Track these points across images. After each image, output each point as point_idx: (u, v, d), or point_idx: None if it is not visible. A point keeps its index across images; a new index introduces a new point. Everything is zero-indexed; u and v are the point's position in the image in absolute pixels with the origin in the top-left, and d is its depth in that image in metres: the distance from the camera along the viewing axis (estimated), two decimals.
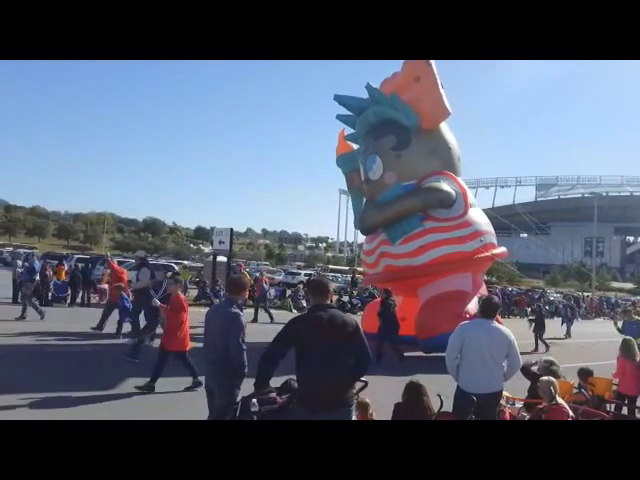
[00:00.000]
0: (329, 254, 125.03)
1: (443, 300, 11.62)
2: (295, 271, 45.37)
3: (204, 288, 22.78)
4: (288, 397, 4.34)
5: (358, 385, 4.27)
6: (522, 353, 5.12)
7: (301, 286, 20.57)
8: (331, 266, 64.00)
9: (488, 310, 5.08)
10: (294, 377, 4.14)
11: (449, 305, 11.43)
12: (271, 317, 17.78)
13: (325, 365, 3.75)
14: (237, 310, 4.80)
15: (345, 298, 27.06)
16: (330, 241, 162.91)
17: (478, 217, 12.89)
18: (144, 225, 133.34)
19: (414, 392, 4.84)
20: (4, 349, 9.94)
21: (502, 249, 13.58)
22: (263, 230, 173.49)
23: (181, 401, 7.28)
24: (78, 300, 18.64)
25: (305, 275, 39.04)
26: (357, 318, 8.15)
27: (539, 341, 15.87)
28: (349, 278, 37.42)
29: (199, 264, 40.45)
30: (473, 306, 11.42)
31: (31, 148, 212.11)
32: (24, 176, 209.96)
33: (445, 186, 12.27)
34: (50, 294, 17.87)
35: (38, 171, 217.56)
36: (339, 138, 15.00)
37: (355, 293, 28.89)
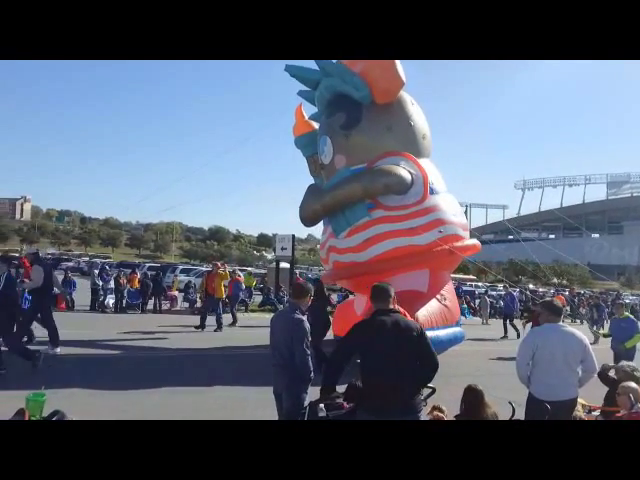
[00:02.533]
0: None
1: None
2: None
3: (268, 294, 23.39)
4: (356, 402, 4.33)
5: (426, 391, 4.21)
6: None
7: None
8: None
9: (556, 311, 4.86)
10: (355, 378, 4.10)
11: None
12: (234, 320, 16.54)
13: (390, 370, 3.73)
14: (300, 315, 4.83)
15: None
16: None
17: (443, 205, 10.67)
18: (209, 233, 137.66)
19: (474, 398, 4.62)
20: None
21: (471, 242, 11.33)
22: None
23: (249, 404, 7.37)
24: (150, 307, 19.44)
25: None
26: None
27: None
28: None
29: (263, 270, 41.09)
30: (431, 310, 10.04)
31: (104, 164, 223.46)
32: (98, 189, 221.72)
33: (398, 169, 10.29)
34: (124, 301, 18.73)
35: (111, 185, 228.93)
36: (296, 115, 12.86)
37: None
